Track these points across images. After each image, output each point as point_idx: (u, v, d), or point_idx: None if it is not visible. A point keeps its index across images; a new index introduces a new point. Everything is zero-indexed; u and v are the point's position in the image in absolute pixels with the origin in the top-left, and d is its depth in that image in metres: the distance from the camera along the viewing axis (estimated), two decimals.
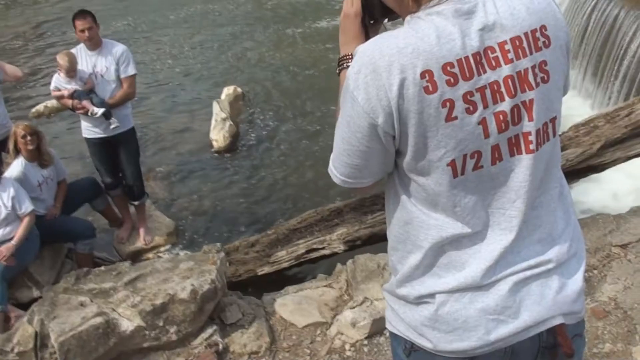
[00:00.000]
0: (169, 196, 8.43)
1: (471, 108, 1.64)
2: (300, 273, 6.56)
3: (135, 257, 7.24)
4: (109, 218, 7.48)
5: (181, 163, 9.19)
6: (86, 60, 6.84)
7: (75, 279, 4.88)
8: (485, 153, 1.69)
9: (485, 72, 1.65)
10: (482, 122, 1.66)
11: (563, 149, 6.02)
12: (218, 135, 9.48)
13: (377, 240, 6.21)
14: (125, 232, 7.48)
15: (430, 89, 1.61)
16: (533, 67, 1.71)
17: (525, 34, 1.71)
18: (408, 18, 1.73)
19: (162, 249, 7.41)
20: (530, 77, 1.70)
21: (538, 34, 1.73)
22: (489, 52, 1.67)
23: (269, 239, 6.54)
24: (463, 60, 1.63)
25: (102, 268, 5.12)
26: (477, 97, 1.64)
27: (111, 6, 16.64)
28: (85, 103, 6.71)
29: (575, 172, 6.03)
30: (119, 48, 6.92)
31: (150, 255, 7.30)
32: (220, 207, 8.18)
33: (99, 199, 7.25)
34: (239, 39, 14.06)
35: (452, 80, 1.62)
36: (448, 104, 1.62)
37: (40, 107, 10.80)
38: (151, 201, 7.81)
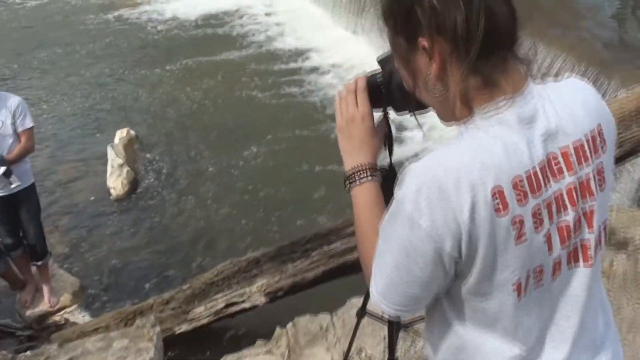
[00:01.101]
0: (70, 251, 8.08)
1: (539, 224, 1.53)
2: (224, 329, 6.40)
3: (41, 320, 6.96)
4: (9, 281, 7.11)
5: (79, 214, 8.83)
6: None
7: None
8: (547, 268, 1.58)
9: (549, 183, 1.56)
10: (548, 237, 1.55)
11: None
12: (116, 183, 9.19)
13: (299, 290, 6.12)
14: (29, 295, 7.12)
15: (502, 208, 1.48)
16: (594, 173, 1.63)
17: (586, 136, 1.62)
18: (462, 128, 1.57)
19: (69, 309, 7.09)
20: (592, 185, 1.62)
21: (596, 136, 1.64)
22: (552, 160, 1.57)
23: (185, 294, 6.34)
24: (531, 173, 1.52)
25: (28, 353, 4.83)
26: (544, 212, 1.54)
27: None
28: None
29: None
30: (14, 100, 6.60)
31: (57, 317, 6.98)
32: (126, 260, 7.90)
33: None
34: (126, 78, 13.63)
35: (522, 196, 1.50)
36: (518, 223, 1.50)
37: None
38: (53, 259, 7.45)
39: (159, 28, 16.57)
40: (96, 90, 13.08)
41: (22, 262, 7.07)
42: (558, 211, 1.56)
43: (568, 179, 1.58)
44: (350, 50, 13.56)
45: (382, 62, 1.93)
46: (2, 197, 6.60)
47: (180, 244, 8.11)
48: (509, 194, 1.48)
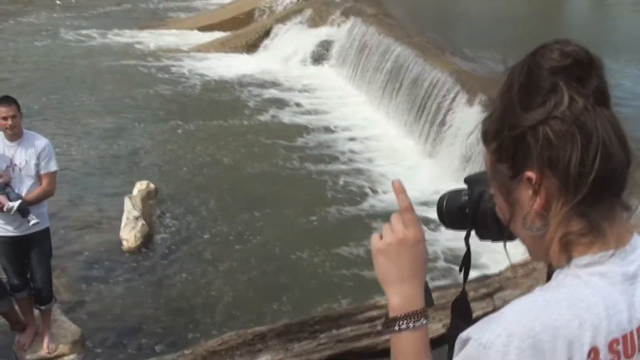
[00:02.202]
0: (75, 299, 8.02)
1: None
2: None
3: None
4: (10, 321, 7.02)
5: (89, 263, 8.79)
6: (4, 150, 6.50)
7: None
8: None
9: None
10: None
11: (499, 289, 5.99)
12: (129, 235, 9.13)
13: None
14: (28, 338, 7.03)
15: None
16: None
17: None
18: (560, 274, 1.46)
19: (65, 358, 6.98)
20: None
21: None
22: None
23: None
24: (628, 335, 1.42)
25: None
26: None
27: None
28: (0, 198, 6.35)
29: None
30: (42, 142, 6.64)
31: None
32: (130, 315, 7.80)
33: (3, 301, 6.82)
34: (152, 130, 13.76)
35: (615, 359, 1.41)
36: None
37: None
38: (57, 305, 7.37)
39: (190, 83, 16.81)
40: (120, 139, 13.22)
41: (26, 304, 7.00)
42: None
43: None
44: (382, 131, 13.61)
45: (471, 182, 1.81)
46: (15, 237, 6.58)
47: (186, 306, 8.01)
48: (604, 355, 1.39)
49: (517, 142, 1.44)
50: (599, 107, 1.41)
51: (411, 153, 12.52)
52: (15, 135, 6.49)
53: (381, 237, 1.73)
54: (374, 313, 5.95)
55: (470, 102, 11.67)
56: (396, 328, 1.65)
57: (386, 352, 5.62)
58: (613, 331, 1.40)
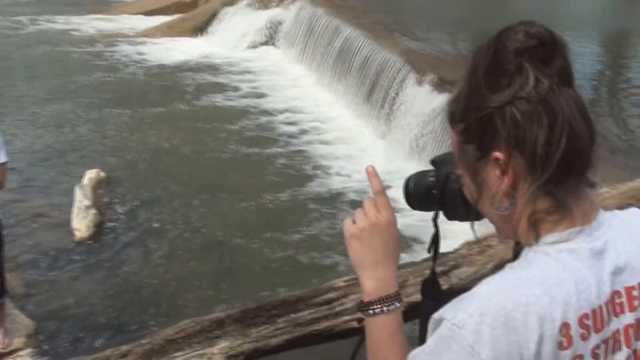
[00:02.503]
0: (28, 292, 7.88)
1: None
2: None
3: None
4: None
5: (40, 254, 8.64)
6: None
7: None
8: None
9: (611, 320, 1.50)
10: None
11: (455, 267, 6.04)
12: (81, 224, 9.02)
13: (260, 356, 5.97)
14: None
15: (565, 344, 1.41)
16: None
17: None
18: (530, 252, 1.49)
19: (21, 353, 6.88)
20: None
21: None
22: (616, 297, 1.51)
23: (143, 349, 6.13)
24: (597, 310, 1.46)
25: None
26: (601, 349, 1.48)
27: None
28: None
29: (466, 291, 6.05)
30: None
31: None
32: (84, 306, 7.71)
33: None
34: (99, 118, 13.55)
35: (585, 333, 1.44)
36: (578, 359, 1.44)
37: None
38: (9, 298, 7.26)
39: (137, 69, 16.63)
40: (66, 127, 12.99)
41: None
42: (613, 350, 1.51)
43: (627, 318, 1.52)
44: (332, 112, 13.63)
45: (437, 163, 1.84)
46: None
47: (141, 295, 7.94)
48: (575, 330, 1.42)
49: (484, 123, 1.47)
50: (564, 87, 1.44)
51: (363, 134, 12.56)
52: None
53: (354, 222, 1.76)
54: (332, 295, 5.94)
55: (420, 82, 11.73)
56: (371, 312, 1.68)
57: (344, 333, 5.67)
58: (583, 306, 1.43)
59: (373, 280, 1.70)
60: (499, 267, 5.59)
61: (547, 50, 1.44)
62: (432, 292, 1.87)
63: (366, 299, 1.70)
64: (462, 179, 1.61)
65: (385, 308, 1.67)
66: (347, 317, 5.86)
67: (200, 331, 6.11)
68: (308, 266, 8.35)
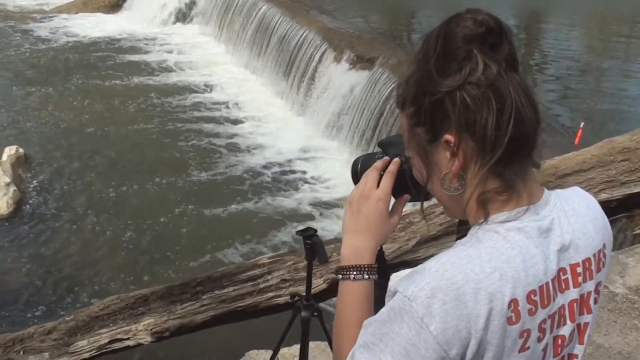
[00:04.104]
0: None
1: (541, 336, 1.54)
2: None
3: None
4: None
5: None
6: None
7: None
8: None
9: (557, 296, 1.57)
10: (545, 348, 1.57)
11: None
12: (1, 202, 8.93)
13: (186, 332, 6.08)
14: None
15: (514, 319, 1.47)
16: (594, 289, 1.66)
17: (594, 254, 1.65)
18: (479, 230, 1.54)
19: None
20: (591, 300, 1.65)
21: (601, 254, 1.68)
22: (561, 274, 1.58)
23: (68, 326, 6.20)
24: (544, 286, 1.52)
25: None
26: (547, 324, 1.55)
27: None
28: None
29: (390, 267, 6.23)
30: None
31: None
32: (6, 283, 7.67)
33: None
34: (15, 95, 13.35)
35: (533, 309, 1.50)
36: (525, 334, 1.50)
37: None
38: None
39: (53, 46, 16.35)
40: None
41: None
42: (558, 324, 1.59)
43: (572, 294, 1.60)
44: (250, 89, 13.69)
45: (385, 145, 1.86)
46: None
47: (65, 272, 7.93)
48: (523, 306, 1.48)
49: (435, 107, 1.50)
50: (511, 73, 1.49)
51: (281, 111, 12.63)
52: None
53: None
54: (256, 272, 6.07)
55: (337, 59, 11.86)
56: (339, 277, 1.77)
57: (269, 309, 5.82)
58: (530, 283, 1.49)
59: (349, 247, 1.78)
60: (420, 243, 5.85)
61: (494, 37, 1.49)
62: (380, 269, 1.84)
63: (340, 263, 1.78)
64: (412, 160, 1.66)
65: (353, 276, 1.75)
66: (271, 294, 6.01)
67: (125, 308, 6.20)
68: (231, 244, 8.44)
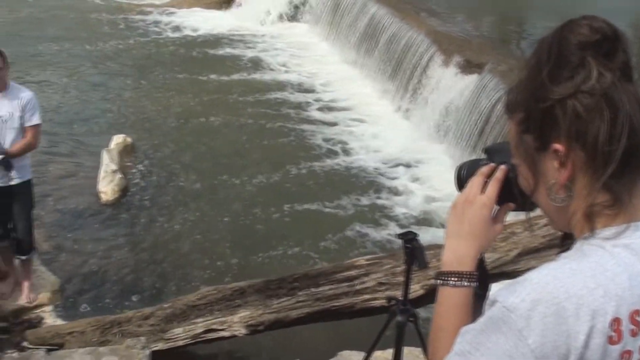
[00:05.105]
0: (54, 250, 8.06)
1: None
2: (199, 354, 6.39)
3: (17, 315, 6.96)
4: None
5: (67, 215, 8.83)
6: None
7: None
8: None
9: None
10: None
11: None
12: (107, 188, 9.20)
13: (280, 327, 6.13)
14: (8, 287, 7.11)
15: (615, 339, 1.41)
16: None
17: None
18: (584, 244, 1.48)
19: (45, 308, 7.06)
20: None
21: None
22: None
23: (165, 312, 6.33)
24: None
25: (16, 355, 4.83)
26: None
27: None
28: None
29: (489, 277, 6.14)
30: (27, 94, 6.64)
31: (33, 314, 6.96)
32: (108, 267, 7.88)
33: None
34: (127, 85, 13.73)
35: (635, 330, 1.43)
36: (626, 356, 1.43)
37: None
38: (36, 255, 7.43)
39: (165, 39, 16.74)
40: (97, 92, 13.21)
41: (6, 253, 7.05)
42: None
43: None
44: (356, 90, 13.68)
45: (491, 152, 1.84)
46: None
47: (164, 260, 8.09)
48: (625, 326, 1.42)
49: (545, 114, 1.46)
50: (625, 82, 1.43)
51: (386, 113, 12.58)
52: (0, 87, 6.50)
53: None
54: (353, 273, 6.08)
55: (446, 63, 11.76)
56: (439, 282, 1.73)
57: (363, 311, 5.78)
58: (635, 302, 1.42)
59: (450, 252, 1.76)
60: (521, 255, 5.72)
61: (609, 44, 1.44)
62: (479, 278, 1.86)
63: (441, 268, 1.75)
64: (518, 168, 1.61)
65: (452, 282, 1.72)
66: (367, 296, 6.01)
67: (222, 299, 6.29)
68: (328, 242, 8.46)
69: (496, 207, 1.79)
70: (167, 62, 15.20)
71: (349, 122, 12.27)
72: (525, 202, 1.66)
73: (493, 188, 1.74)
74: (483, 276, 1.82)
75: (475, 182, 1.77)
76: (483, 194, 1.75)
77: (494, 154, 1.81)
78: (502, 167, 1.75)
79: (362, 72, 14.30)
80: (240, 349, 6.65)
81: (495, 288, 1.61)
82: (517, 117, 1.54)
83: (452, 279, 1.72)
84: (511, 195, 1.73)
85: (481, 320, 1.47)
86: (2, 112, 6.50)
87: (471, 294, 1.74)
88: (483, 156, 1.86)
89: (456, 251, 1.75)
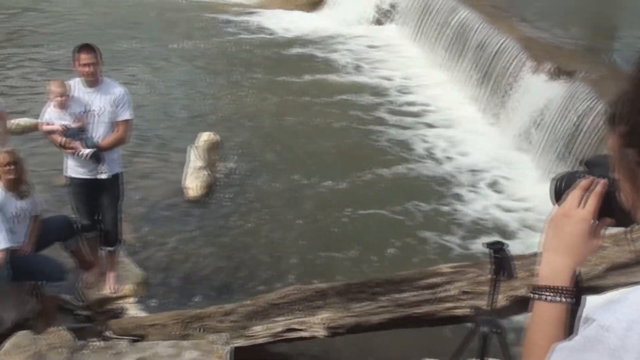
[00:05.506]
0: (139, 243, 8.22)
1: None
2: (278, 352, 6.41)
3: (101, 304, 7.12)
4: (78, 260, 7.23)
5: (152, 208, 9.01)
6: (81, 96, 6.67)
7: (70, 352, 4.67)
8: None
9: None
10: None
11: None
12: (192, 184, 9.31)
13: (360, 331, 6.12)
14: (93, 277, 7.26)
15: None
16: None
17: None
18: None
19: (129, 299, 7.19)
20: None
21: None
22: None
23: (246, 310, 6.38)
24: None
25: (100, 344, 4.94)
26: None
27: (78, 28, 16.55)
28: (77, 144, 6.53)
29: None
30: (119, 90, 6.80)
31: (116, 305, 7.09)
32: (191, 262, 7.99)
33: (72, 240, 7.04)
34: (217, 83, 13.90)
35: None
36: None
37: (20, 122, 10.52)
38: (122, 247, 7.56)
39: (254, 39, 16.86)
40: (185, 89, 13.44)
41: (94, 244, 7.22)
42: None
43: None
44: (442, 94, 13.58)
45: (591, 164, 1.80)
46: (88, 179, 6.77)
47: (247, 258, 8.15)
48: None
49: None
50: None
51: (472, 118, 12.41)
52: (94, 82, 6.65)
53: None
54: (436, 280, 6.02)
55: (536, 70, 11.54)
56: (535, 296, 1.71)
57: (445, 320, 5.70)
58: None
59: (546, 266, 1.73)
60: (609, 269, 5.57)
61: None
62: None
63: (537, 282, 1.73)
64: (619, 182, 1.55)
65: (547, 297, 1.69)
66: (450, 304, 5.94)
67: (303, 299, 6.30)
68: (412, 247, 8.39)
69: (594, 222, 1.74)
70: (251, 62, 15.31)
71: (433, 126, 12.15)
72: (624, 218, 1.61)
73: (592, 202, 1.70)
74: (577, 291, 1.79)
75: (574, 195, 1.73)
76: (582, 208, 1.71)
77: (593, 167, 1.78)
78: (602, 181, 1.71)
79: (449, 76, 14.14)
80: (317, 351, 6.64)
81: (588, 304, 1.63)
82: (619, 130, 1.47)
83: (548, 293, 1.69)
84: (610, 210, 1.70)
85: (576, 338, 1.44)
86: (95, 106, 6.66)
87: (566, 310, 1.70)
88: (581, 168, 1.83)
89: (552, 265, 1.72)
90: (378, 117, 12.37)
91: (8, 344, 5.54)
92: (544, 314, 1.70)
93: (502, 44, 12.71)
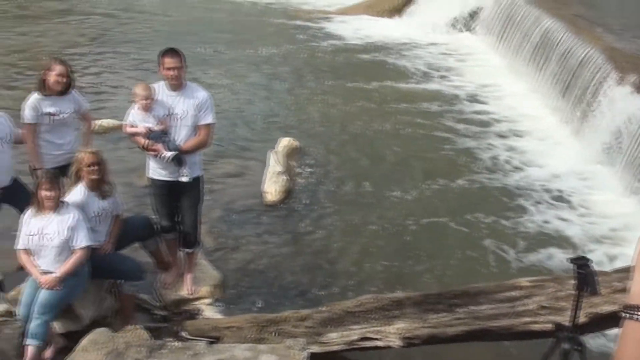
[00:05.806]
0: (216, 245, 8.32)
1: None
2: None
3: (178, 305, 7.19)
4: (156, 260, 7.34)
5: (231, 211, 9.11)
6: (165, 99, 6.77)
7: (148, 351, 4.75)
8: None
9: None
10: None
11: None
12: (271, 189, 9.39)
13: (436, 342, 6.07)
14: (171, 277, 7.35)
15: None
16: None
17: None
18: None
19: (205, 301, 7.26)
20: None
21: None
22: None
23: (322, 316, 6.39)
24: None
25: (178, 344, 5.01)
26: None
27: (157, 31, 17.03)
28: (159, 146, 6.64)
29: None
30: (203, 94, 6.88)
31: (192, 306, 7.16)
32: (268, 267, 8.04)
33: (151, 240, 7.16)
34: (302, 89, 14.01)
35: None
36: None
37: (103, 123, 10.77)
38: (200, 249, 7.64)
39: (335, 45, 16.97)
40: (260, 95, 13.59)
41: (173, 245, 7.32)
42: None
43: None
44: (524, 104, 13.40)
45: None
46: (169, 181, 6.87)
47: (323, 263, 8.16)
48: None
49: None
50: None
51: (554, 130, 12.20)
52: (177, 85, 6.75)
53: None
54: (515, 294, 5.94)
55: (621, 82, 11.29)
56: (625, 315, 1.66)
57: (523, 334, 5.61)
58: None
59: (639, 286, 1.67)
60: None
61: None
62: None
63: (628, 300, 1.68)
64: None
65: (638, 317, 1.65)
66: (528, 319, 5.84)
67: (379, 308, 6.27)
68: (490, 259, 8.28)
69: None
70: (336, 69, 15.40)
71: (513, 135, 12.00)
72: None
73: None
74: None
75: None
76: None
77: None
78: None
79: (531, 85, 13.96)
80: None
81: None
82: None
83: (637, 313, 1.64)
84: None
85: None
86: (178, 109, 6.75)
87: None
88: None
89: None
90: (453, 126, 12.35)
91: (86, 340, 5.66)
92: (633, 334, 1.65)
93: (586, 55, 12.47)
